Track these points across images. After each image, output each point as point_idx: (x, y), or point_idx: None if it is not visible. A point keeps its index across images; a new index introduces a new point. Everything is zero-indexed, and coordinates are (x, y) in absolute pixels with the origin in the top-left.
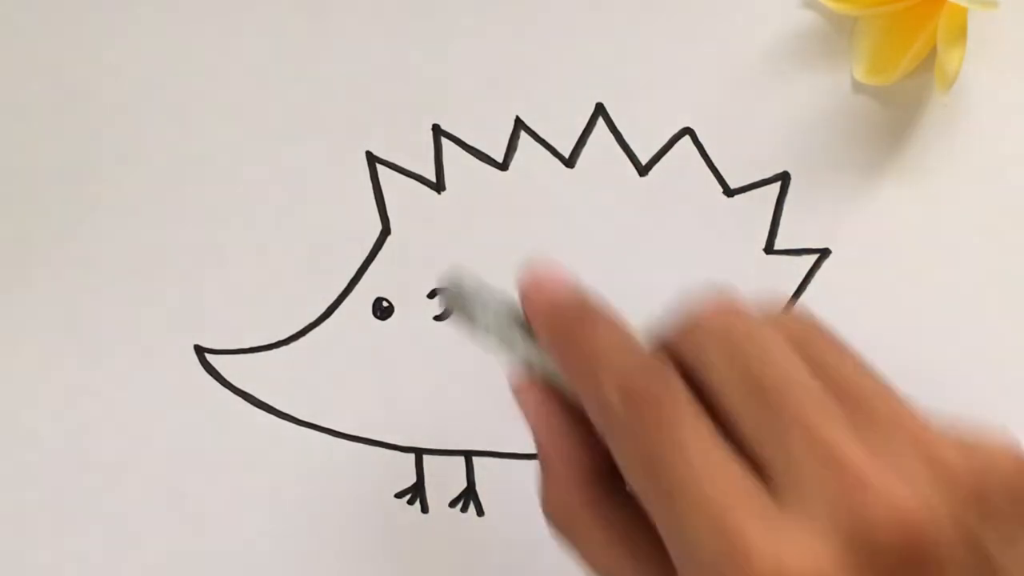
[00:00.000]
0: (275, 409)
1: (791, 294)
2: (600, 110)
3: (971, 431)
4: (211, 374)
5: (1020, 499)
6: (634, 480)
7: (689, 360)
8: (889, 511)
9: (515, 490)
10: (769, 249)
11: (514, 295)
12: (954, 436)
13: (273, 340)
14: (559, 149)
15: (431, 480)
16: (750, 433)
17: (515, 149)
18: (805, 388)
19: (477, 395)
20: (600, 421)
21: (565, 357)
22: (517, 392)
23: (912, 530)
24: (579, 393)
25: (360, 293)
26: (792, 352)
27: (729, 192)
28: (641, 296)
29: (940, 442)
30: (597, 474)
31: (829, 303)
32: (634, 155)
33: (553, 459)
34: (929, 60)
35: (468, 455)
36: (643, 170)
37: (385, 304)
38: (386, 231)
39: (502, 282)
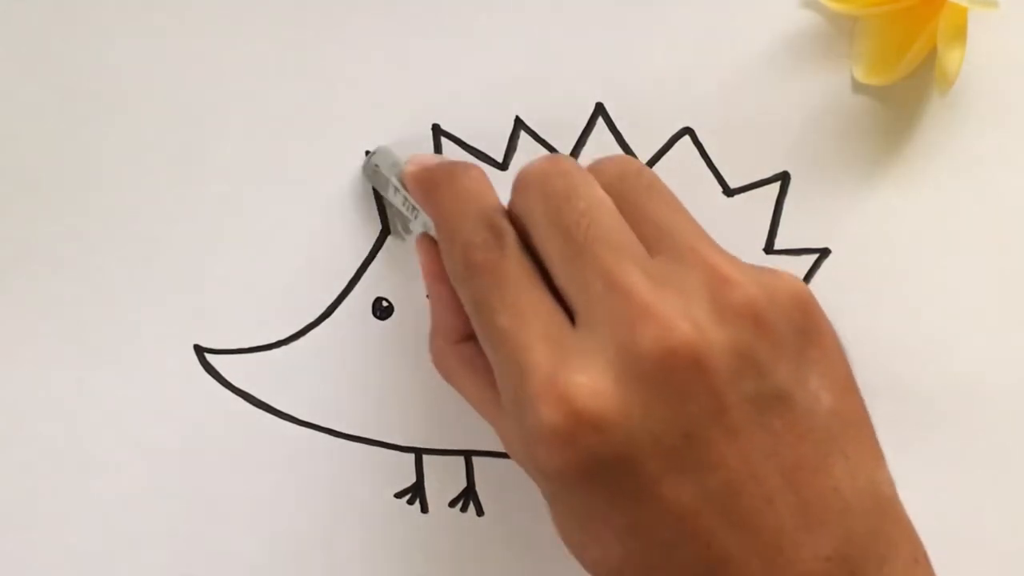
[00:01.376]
0: (275, 409)
1: None
2: (600, 110)
3: (764, 268)
4: (211, 374)
5: (800, 328)
6: (475, 327)
7: (517, 211)
8: (657, 330)
9: (515, 490)
10: (769, 249)
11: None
12: (746, 268)
13: (273, 340)
14: (559, 149)
15: (431, 480)
16: (560, 273)
17: (515, 149)
18: (604, 227)
19: None
20: (452, 280)
21: (431, 214)
22: (417, 244)
23: (676, 346)
24: (442, 251)
25: (360, 293)
26: (600, 192)
27: (729, 192)
28: None
29: (730, 273)
30: (459, 330)
31: (829, 303)
32: (634, 155)
33: (434, 311)
34: (929, 60)
35: (468, 455)
36: None
37: (385, 304)
38: (386, 231)
39: None
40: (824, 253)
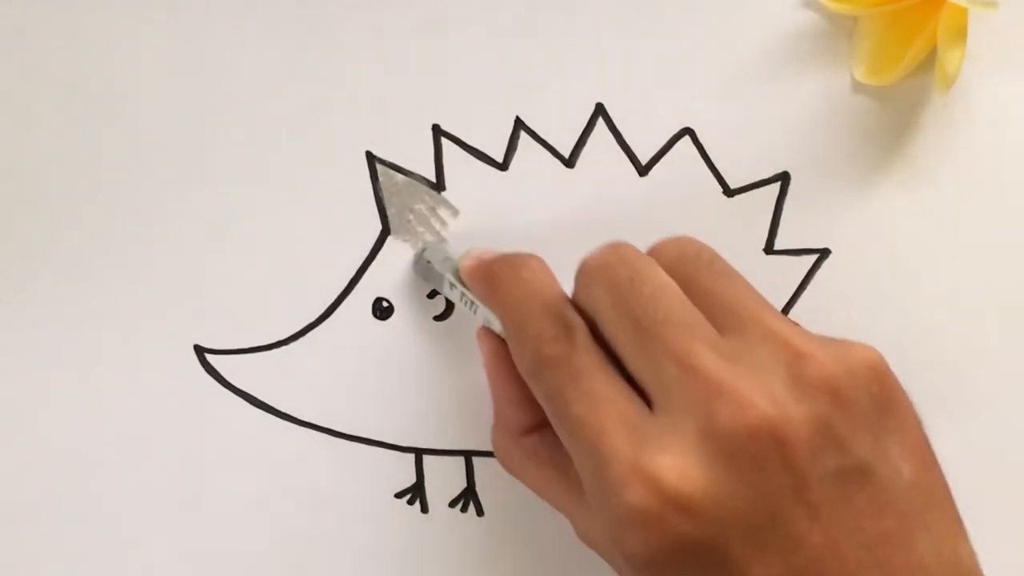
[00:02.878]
0: (275, 409)
1: (791, 294)
2: (600, 110)
3: (835, 339)
4: (211, 374)
5: (878, 400)
6: (551, 419)
7: (584, 303)
8: (736, 410)
9: (515, 490)
10: (769, 249)
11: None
12: (819, 341)
13: (273, 340)
14: (559, 149)
15: (431, 480)
16: (631, 360)
17: (515, 149)
18: (671, 310)
19: (477, 395)
20: (524, 375)
21: (495, 313)
22: (478, 338)
23: (756, 423)
24: (510, 347)
25: (360, 293)
26: (664, 276)
27: (729, 192)
28: None
29: (802, 345)
30: (524, 424)
31: (829, 303)
32: (634, 155)
33: (497, 405)
34: (929, 60)
35: (468, 455)
36: (643, 170)
37: (385, 304)
38: (386, 231)
39: None
40: (824, 253)
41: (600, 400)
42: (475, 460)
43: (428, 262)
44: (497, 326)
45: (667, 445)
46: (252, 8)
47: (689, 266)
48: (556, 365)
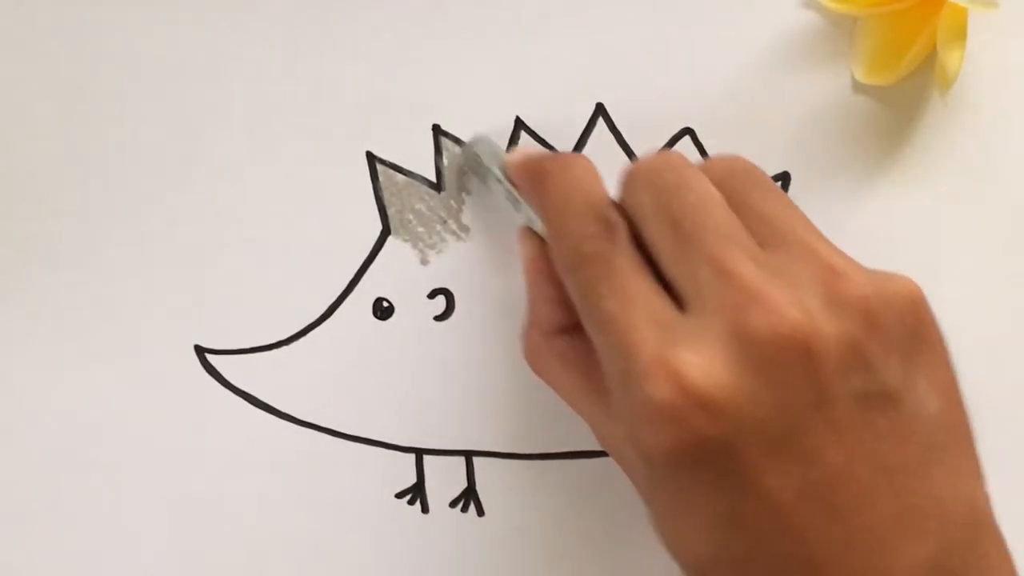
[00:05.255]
0: (275, 409)
1: None
2: (600, 110)
3: (877, 270)
4: (211, 374)
5: (912, 331)
6: (583, 319)
7: (627, 204)
8: (768, 315)
9: (515, 490)
10: None
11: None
12: (859, 266)
13: (273, 340)
14: (559, 149)
15: (431, 480)
16: (669, 263)
17: (516, 145)
18: (713, 218)
19: (477, 395)
20: (561, 272)
21: (537, 206)
22: (519, 237)
23: (789, 332)
24: (550, 243)
25: (360, 293)
26: (710, 187)
27: None
28: None
29: (843, 268)
30: (555, 323)
31: None
32: (634, 155)
33: (532, 303)
34: (929, 60)
35: (468, 455)
36: None
37: (385, 304)
38: (386, 231)
39: (500, 280)
40: None
41: (632, 297)
42: (475, 460)
43: (477, 155)
44: (539, 226)
45: (695, 344)
46: (252, 8)
47: (737, 181)
48: (594, 262)
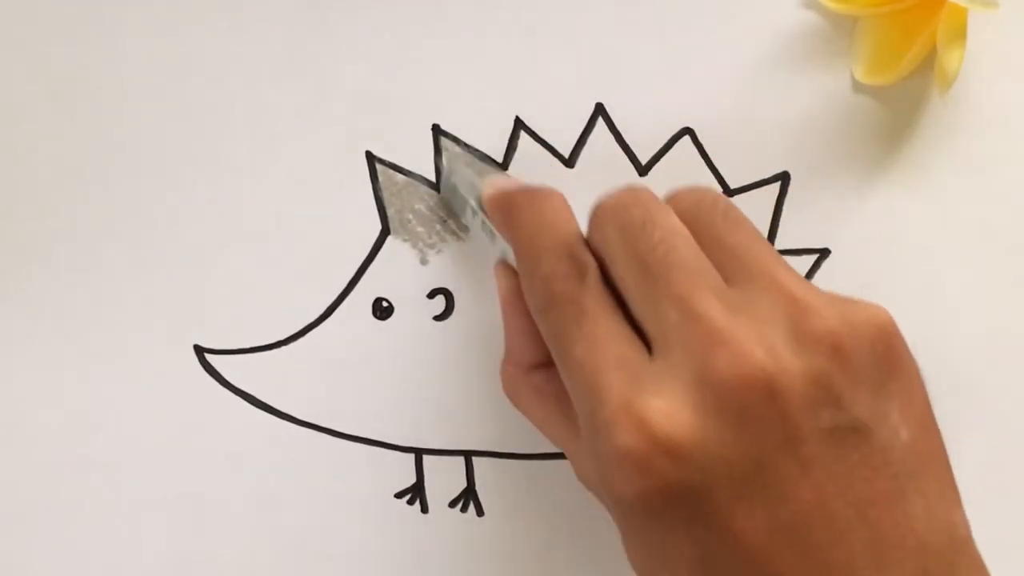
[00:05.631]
0: (275, 409)
1: None
2: (600, 110)
3: (845, 297)
4: (211, 374)
5: (882, 360)
6: (553, 356)
7: (595, 242)
8: (731, 358)
9: (515, 490)
10: None
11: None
12: (827, 297)
13: (273, 340)
14: (559, 149)
15: (431, 480)
16: (636, 302)
17: (515, 149)
18: (680, 255)
19: (477, 395)
20: (532, 311)
21: (511, 243)
22: (495, 272)
23: (750, 372)
24: (521, 280)
25: (360, 293)
26: (676, 222)
27: (729, 192)
28: None
29: (809, 302)
30: (531, 359)
31: None
32: (634, 155)
33: (508, 337)
34: (929, 60)
35: (468, 455)
36: (643, 170)
37: (385, 304)
38: (386, 231)
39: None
40: (824, 253)
41: (601, 342)
42: (475, 460)
43: (455, 186)
44: (513, 260)
45: (661, 389)
46: (252, 8)
47: (704, 214)
48: (564, 304)
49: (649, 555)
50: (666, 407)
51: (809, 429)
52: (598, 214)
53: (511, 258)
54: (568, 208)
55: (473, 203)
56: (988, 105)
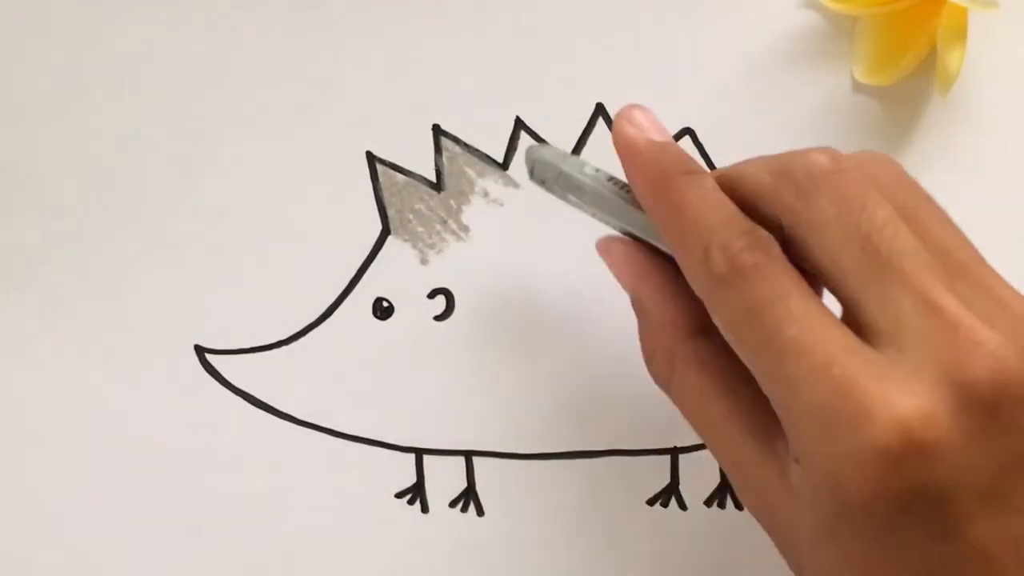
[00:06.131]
0: (275, 409)
1: None
2: (600, 110)
3: None
4: (211, 374)
5: None
6: (739, 340)
7: (793, 209)
8: (989, 360)
9: (515, 490)
10: None
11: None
12: None
13: (273, 340)
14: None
15: (431, 480)
16: (852, 286)
17: (515, 149)
18: (909, 242)
19: (477, 395)
20: (702, 282)
21: (664, 217)
22: (601, 247)
23: (1009, 379)
24: (677, 253)
25: (360, 293)
26: (893, 210)
27: None
28: None
29: (1020, 304)
30: (690, 324)
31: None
32: None
33: (648, 308)
34: (929, 60)
35: (468, 455)
36: None
37: (385, 304)
38: (386, 231)
39: (500, 280)
40: None
41: (820, 324)
42: (475, 460)
43: (551, 163)
44: (645, 233)
45: (912, 386)
46: (252, 8)
47: (908, 195)
48: (754, 277)
49: (852, 564)
50: (922, 405)
51: None
52: (804, 174)
53: (643, 232)
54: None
55: (569, 169)
56: (988, 105)
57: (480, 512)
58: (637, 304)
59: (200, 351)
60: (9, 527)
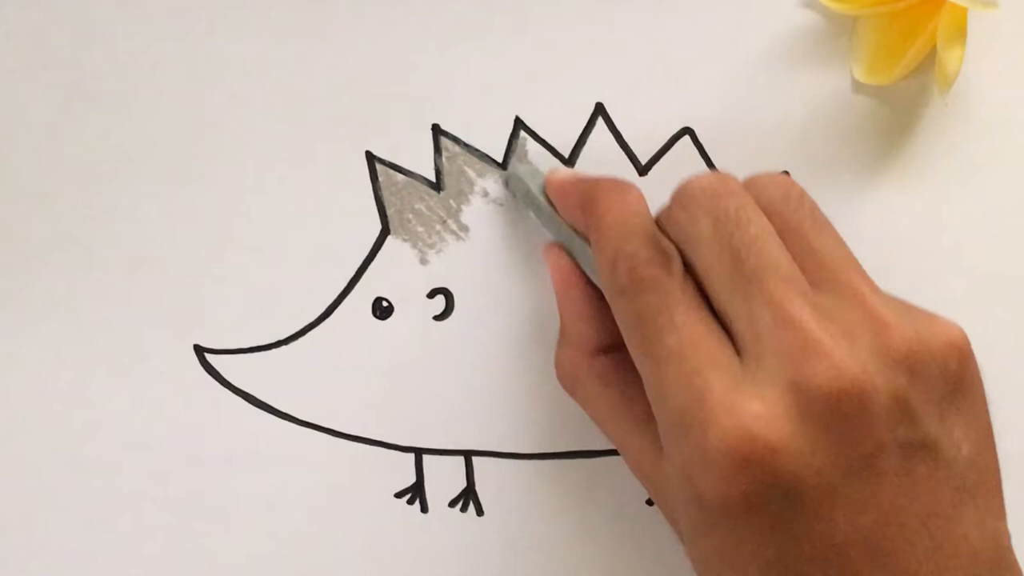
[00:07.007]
0: (275, 409)
1: None
2: (600, 110)
3: (921, 311)
4: (211, 374)
5: (953, 378)
6: (630, 344)
7: (681, 224)
8: (830, 369)
9: (515, 490)
10: None
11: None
12: (904, 311)
13: (273, 340)
14: (559, 149)
15: (431, 480)
16: (722, 295)
17: (515, 149)
18: (774, 257)
19: (477, 395)
20: (607, 290)
21: (588, 225)
22: (545, 253)
23: (848, 388)
24: (596, 260)
25: (360, 293)
26: (767, 222)
27: None
28: None
29: (887, 313)
30: (598, 344)
31: None
32: (634, 155)
33: (564, 323)
34: (929, 60)
35: (468, 455)
36: (643, 170)
37: (385, 304)
38: (385, 231)
39: (500, 280)
40: None
41: (696, 337)
42: (475, 460)
43: (516, 175)
44: (576, 247)
45: (760, 392)
46: (252, 8)
47: (792, 212)
48: (651, 289)
49: (720, 556)
50: (765, 411)
51: (888, 443)
52: (687, 196)
53: (574, 247)
54: (646, 202)
55: (534, 188)
56: (988, 105)
57: (480, 512)
58: (560, 314)
59: (200, 351)
60: (9, 527)
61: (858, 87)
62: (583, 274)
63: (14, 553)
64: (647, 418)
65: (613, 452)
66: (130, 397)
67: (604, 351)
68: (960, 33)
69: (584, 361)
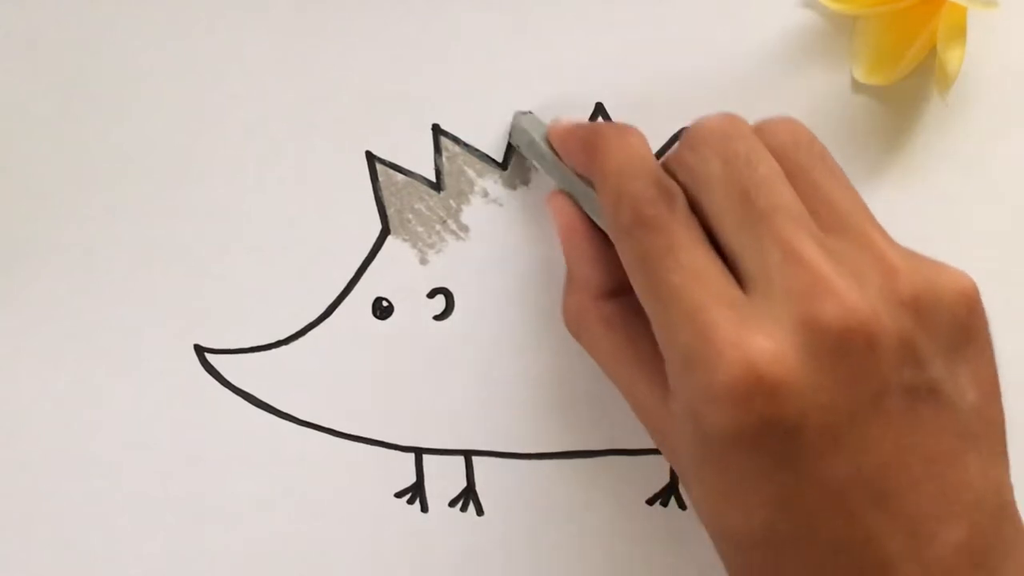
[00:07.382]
0: (275, 409)
1: None
2: (600, 110)
3: (931, 260)
4: (211, 374)
5: (960, 325)
6: (636, 284)
7: (689, 165)
8: (839, 308)
9: (515, 490)
10: None
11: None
12: (915, 259)
13: (273, 340)
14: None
15: (431, 480)
16: (732, 237)
17: (514, 149)
18: (784, 197)
19: (477, 395)
20: (611, 229)
21: (593, 166)
22: (549, 200)
23: (856, 326)
24: (599, 200)
25: (360, 293)
26: (775, 163)
27: None
28: None
29: (897, 258)
30: (603, 287)
31: None
32: None
33: (570, 267)
34: (929, 60)
35: (468, 455)
36: None
37: (385, 304)
38: (385, 231)
39: (500, 280)
40: None
41: (701, 274)
42: (475, 459)
43: (520, 126)
44: (580, 193)
45: (766, 328)
46: (252, 8)
47: (802, 155)
48: (654, 228)
49: (723, 491)
50: (772, 347)
51: (894, 385)
52: (697, 138)
53: (579, 193)
54: (648, 144)
55: (537, 137)
56: (988, 105)
57: (480, 512)
58: (566, 260)
59: (200, 351)
60: (9, 527)
61: (858, 87)
62: (587, 218)
63: (14, 553)
64: (653, 360)
65: (613, 452)
66: (130, 397)
67: (610, 295)
68: (960, 33)
69: (591, 305)
